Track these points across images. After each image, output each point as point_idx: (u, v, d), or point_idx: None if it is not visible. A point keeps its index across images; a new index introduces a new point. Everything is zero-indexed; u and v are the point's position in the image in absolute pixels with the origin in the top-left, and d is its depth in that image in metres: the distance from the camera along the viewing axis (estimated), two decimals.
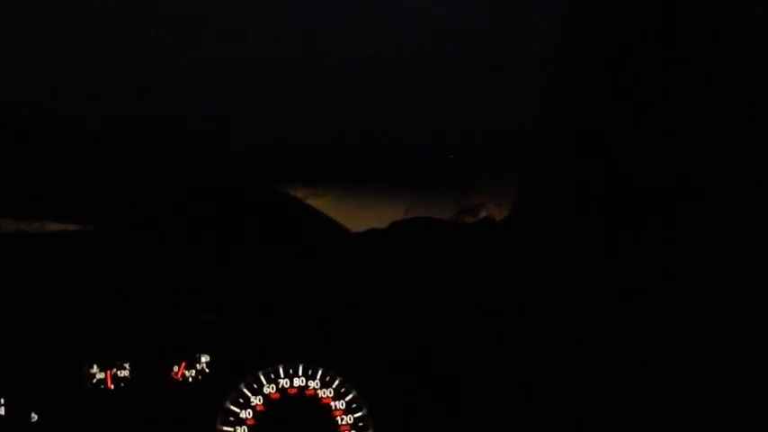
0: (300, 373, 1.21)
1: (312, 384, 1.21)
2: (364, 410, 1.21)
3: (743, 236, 0.86)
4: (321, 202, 1.55)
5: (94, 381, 1.14)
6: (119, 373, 1.15)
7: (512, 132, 1.26)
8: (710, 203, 0.87)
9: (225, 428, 1.16)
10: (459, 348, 1.19)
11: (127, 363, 1.16)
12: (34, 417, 1.11)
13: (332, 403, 1.21)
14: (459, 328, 1.20)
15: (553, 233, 1.05)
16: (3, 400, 1.11)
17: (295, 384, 1.20)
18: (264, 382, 1.20)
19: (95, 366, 1.15)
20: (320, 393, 1.21)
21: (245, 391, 1.18)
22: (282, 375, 1.21)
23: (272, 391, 1.19)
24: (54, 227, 1.23)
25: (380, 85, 1.21)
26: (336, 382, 1.21)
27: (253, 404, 1.18)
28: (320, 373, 1.22)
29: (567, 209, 1.00)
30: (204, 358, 1.18)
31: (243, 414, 1.18)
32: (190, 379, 1.17)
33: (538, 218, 1.07)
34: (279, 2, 1.03)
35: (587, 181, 0.95)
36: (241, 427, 1.17)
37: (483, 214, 1.47)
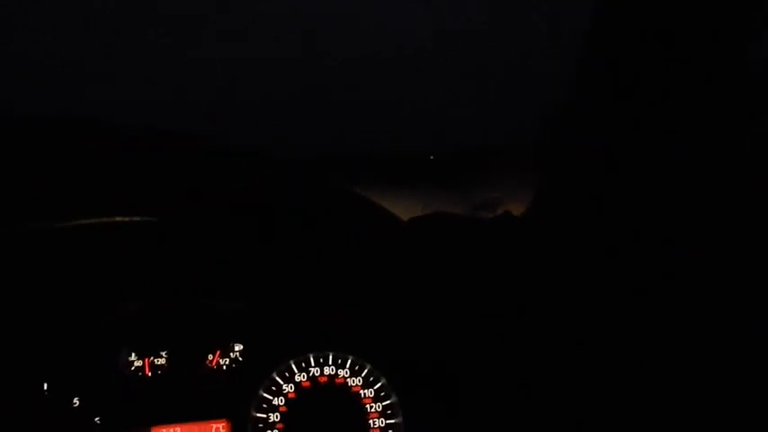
0: (330, 361, 1.25)
1: (342, 373, 1.24)
2: (393, 398, 1.24)
3: (743, 236, 0.87)
4: None
5: (133, 368, 1.18)
6: (156, 360, 1.19)
7: (511, 133, 1.27)
8: (710, 204, 0.88)
9: (258, 415, 1.20)
10: (481, 340, 1.22)
11: (164, 351, 1.19)
12: (76, 402, 1.15)
13: (361, 391, 1.24)
14: (480, 319, 1.22)
15: (569, 229, 1.06)
16: (46, 386, 1.15)
17: (325, 373, 1.24)
18: (296, 370, 1.23)
19: (134, 354, 1.19)
20: (350, 382, 1.24)
21: (278, 379, 1.22)
22: (313, 364, 1.24)
23: (304, 380, 1.23)
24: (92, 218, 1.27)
25: (380, 85, 1.22)
26: (365, 371, 1.25)
27: (285, 392, 1.22)
28: (350, 361, 1.25)
29: (580, 206, 1.01)
30: (238, 347, 1.22)
31: (275, 401, 1.21)
32: (224, 367, 1.21)
33: (555, 213, 1.08)
34: (279, 2, 1.04)
35: (596, 179, 0.96)
36: (274, 413, 1.21)
37: (501, 210, 1.47)
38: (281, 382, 1.22)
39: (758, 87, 0.81)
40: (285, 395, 1.22)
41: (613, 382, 1.04)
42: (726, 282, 0.88)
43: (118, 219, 1.19)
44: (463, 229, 1.28)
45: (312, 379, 1.24)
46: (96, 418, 1.15)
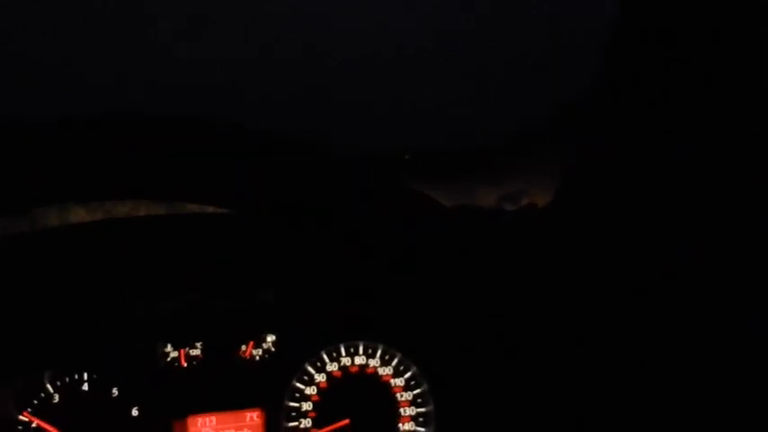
0: (361, 351, 1.26)
1: (372, 362, 1.26)
2: (423, 387, 1.26)
3: (743, 236, 0.85)
4: None
5: (169, 359, 1.21)
6: (191, 351, 1.22)
7: (512, 132, 1.25)
8: (710, 204, 0.87)
9: (291, 404, 1.23)
10: (507, 330, 1.22)
11: (199, 342, 1.22)
12: (115, 392, 1.18)
13: (391, 380, 1.26)
14: (508, 309, 1.23)
15: (590, 224, 1.05)
16: (86, 377, 1.18)
17: (356, 362, 1.26)
18: (327, 360, 1.25)
19: (169, 345, 1.21)
20: (380, 371, 1.26)
21: (310, 368, 1.24)
22: (344, 354, 1.26)
23: (335, 369, 1.25)
24: (124, 211, 1.28)
25: (381, 84, 1.20)
26: (396, 360, 1.26)
27: (317, 381, 1.24)
28: (380, 351, 1.26)
29: (594, 203, 1.00)
30: (270, 338, 1.24)
31: (308, 390, 1.24)
32: (257, 357, 1.23)
33: (580, 206, 1.07)
34: (279, 2, 1.02)
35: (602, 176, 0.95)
36: (306, 402, 1.23)
37: (525, 201, 1.45)
38: (313, 372, 1.25)
39: (758, 87, 0.80)
40: (317, 384, 1.24)
41: (613, 382, 1.04)
42: (726, 282, 0.88)
43: (154, 214, 1.21)
44: (488, 221, 1.27)
45: (343, 368, 1.26)
46: (134, 408, 1.18)
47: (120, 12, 1.00)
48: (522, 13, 0.99)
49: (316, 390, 1.24)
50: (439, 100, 1.18)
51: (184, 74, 1.13)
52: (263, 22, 1.04)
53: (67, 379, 1.18)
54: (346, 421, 1.23)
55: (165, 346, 1.21)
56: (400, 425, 1.25)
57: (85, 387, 1.18)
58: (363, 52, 1.09)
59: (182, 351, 1.21)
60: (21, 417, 1.16)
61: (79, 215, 1.25)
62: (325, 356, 1.25)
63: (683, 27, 0.78)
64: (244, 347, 1.23)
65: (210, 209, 1.20)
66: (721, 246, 0.85)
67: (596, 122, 0.94)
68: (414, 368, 1.26)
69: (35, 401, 1.17)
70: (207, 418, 1.20)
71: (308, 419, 1.23)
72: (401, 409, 1.25)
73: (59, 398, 1.17)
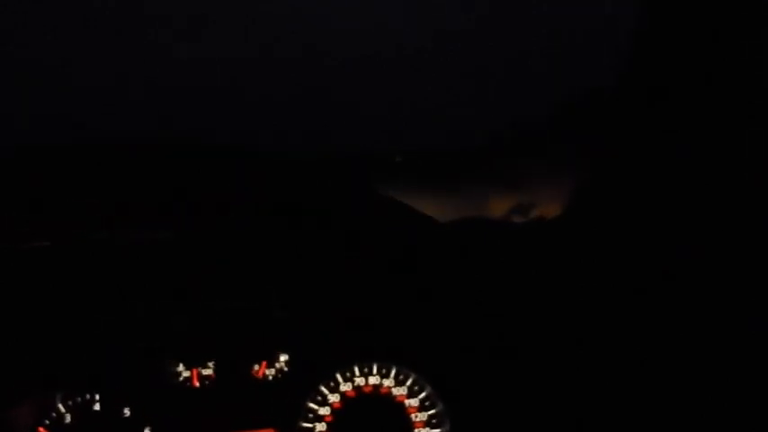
0: (375, 371, 1.25)
1: (387, 383, 1.25)
2: (438, 407, 1.24)
3: (743, 236, 0.85)
4: None
5: (181, 378, 1.20)
6: (203, 371, 1.21)
7: (512, 132, 1.24)
8: (710, 204, 0.87)
9: (305, 425, 1.21)
10: (521, 348, 1.21)
11: (211, 362, 1.21)
12: (127, 412, 1.17)
13: (406, 401, 1.24)
14: (520, 326, 1.21)
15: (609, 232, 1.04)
16: (98, 397, 1.17)
17: (370, 382, 1.24)
18: (341, 380, 1.23)
19: (181, 365, 1.20)
20: (394, 391, 1.24)
21: (323, 389, 1.23)
22: (358, 374, 1.24)
23: (349, 389, 1.23)
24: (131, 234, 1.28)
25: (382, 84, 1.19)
26: (410, 381, 1.25)
27: (330, 401, 1.23)
28: (394, 371, 1.25)
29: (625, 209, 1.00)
30: (283, 357, 1.23)
31: (321, 411, 1.22)
32: (270, 377, 1.22)
33: (579, 206, 1.06)
34: (279, 2, 1.02)
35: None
36: (320, 423, 1.21)
37: (534, 214, 1.44)
38: (327, 392, 1.23)
39: (758, 87, 0.80)
40: (330, 405, 1.23)
41: (613, 382, 1.02)
42: (726, 282, 0.87)
43: (161, 232, 1.21)
44: (496, 234, 1.27)
45: (357, 389, 1.24)
46: (146, 428, 1.17)
47: (119, 12, 1.00)
48: (521, 13, 0.99)
49: (329, 410, 1.22)
50: (438, 100, 1.17)
51: (184, 74, 1.12)
52: (262, 22, 1.04)
53: (80, 399, 1.17)
54: None
55: (177, 366, 1.20)
56: None
57: (97, 407, 1.17)
58: (363, 52, 1.08)
59: (194, 371, 1.20)
60: None
61: None
62: (338, 376, 1.24)
63: (684, 27, 0.79)
64: (257, 367, 1.22)
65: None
66: (721, 246, 0.84)
67: (596, 122, 0.95)
68: (428, 388, 1.25)
69: (47, 421, 1.15)
70: None
71: None
72: (416, 430, 1.23)
73: (71, 418, 1.16)
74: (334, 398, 1.23)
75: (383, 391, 1.24)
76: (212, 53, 1.09)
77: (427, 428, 1.24)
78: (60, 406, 1.16)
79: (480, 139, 1.19)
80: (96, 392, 1.17)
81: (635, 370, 0.96)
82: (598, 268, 0.98)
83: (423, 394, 1.25)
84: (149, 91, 1.15)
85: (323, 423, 1.22)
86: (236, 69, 1.14)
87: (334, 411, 1.22)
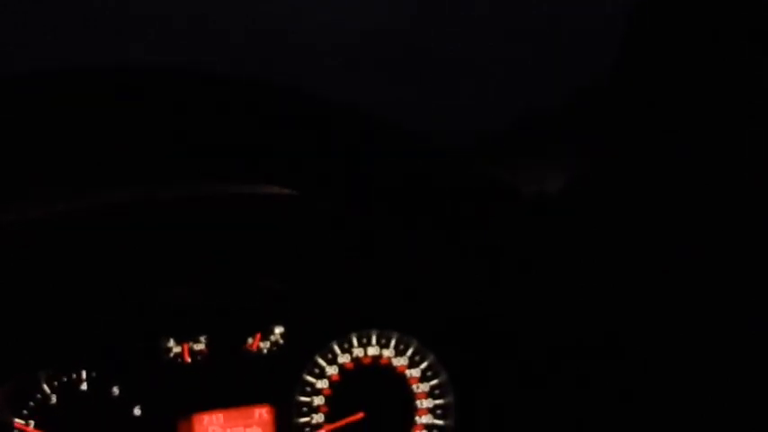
0: (374, 341, 1.20)
1: (386, 353, 1.20)
2: (440, 378, 1.19)
3: (743, 236, 0.84)
4: None
5: (171, 354, 1.15)
6: (195, 346, 1.15)
7: (512, 132, 1.21)
8: (711, 204, 0.85)
9: (302, 399, 1.16)
10: (529, 314, 1.17)
11: (203, 336, 1.15)
12: (116, 391, 1.12)
13: (407, 371, 1.20)
14: (528, 292, 1.18)
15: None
16: (85, 375, 1.12)
17: (369, 353, 1.19)
18: (339, 351, 1.19)
19: (172, 340, 1.15)
20: (395, 362, 1.20)
21: (321, 361, 1.18)
22: (356, 344, 1.19)
23: (347, 361, 1.19)
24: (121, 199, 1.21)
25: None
26: (411, 350, 1.20)
27: (328, 374, 1.18)
28: (394, 340, 1.20)
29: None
30: (278, 329, 1.17)
31: (319, 384, 1.18)
32: (265, 350, 1.17)
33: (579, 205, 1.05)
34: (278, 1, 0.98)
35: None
36: (318, 396, 1.17)
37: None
38: (324, 364, 1.18)
39: (758, 87, 0.78)
40: (329, 378, 1.18)
41: (613, 382, 1.01)
42: (726, 282, 0.85)
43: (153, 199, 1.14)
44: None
45: (356, 360, 1.19)
46: (136, 407, 1.12)
47: (118, 11, 0.96)
48: (520, 12, 0.96)
49: (327, 383, 1.18)
50: (437, 100, 1.14)
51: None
52: (259, 21, 1.00)
53: (65, 378, 1.11)
54: (360, 415, 1.17)
55: (168, 341, 1.15)
56: (417, 418, 1.19)
57: (84, 386, 1.12)
58: (361, 52, 1.05)
59: (185, 346, 1.15)
60: (16, 420, 1.09)
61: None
62: (336, 348, 1.19)
63: (684, 27, 0.78)
64: (250, 340, 1.17)
65: (210, 191, 1.14)
66: (721, 246, 0.83)
67: (595, 122, 0.93)
68: (431, 357, 1.20)
69: (31, 403, 1.10)
70: (213, 416, 1.14)
71: (321, 414, 1.17)
72: (418, 402, 1.19)
73: (57, 399, 1.11)
74: (332, 370, 1.18)
75: (383, 362, 1.20)
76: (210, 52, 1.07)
77: (430, 399, 1.20)
78: (45, 386, 1.11)
79: (478, 139, 1.16)
80: (83, 371, 1.12)
81: (634, 373, 0.95)
82: (597, 268, 0.95)
83: (424, 364, 1.20)
84: None
85: (320, 396, 1.17)
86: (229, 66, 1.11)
87: (332, 384, 1.18)
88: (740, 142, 0.80)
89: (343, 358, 1.19)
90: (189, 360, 1.15)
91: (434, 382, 1.20)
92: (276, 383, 1.16)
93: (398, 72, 1.10)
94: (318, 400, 1.17)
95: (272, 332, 1.18)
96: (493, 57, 1.07)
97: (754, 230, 0.82)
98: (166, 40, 1.03)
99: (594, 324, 0.95)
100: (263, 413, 1.15)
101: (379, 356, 1.20)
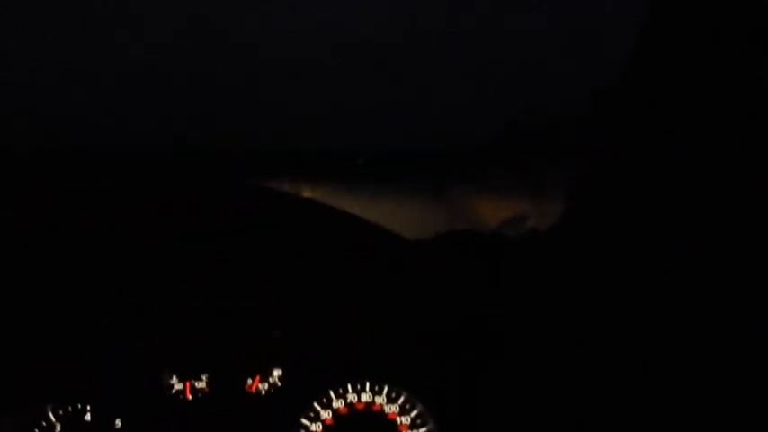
0: (368, 388, 1.25)
1: (379, 400, 1.25)
2: (429, 425, 1.24)
3: (743, 236, 0.85)
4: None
5: (173, 391, 1.20)
6: (196, 384, 1.20)
7: (512, 132, 1.26)
8: (711, 204, 0.87)
9: None
10: (509, 365, 1.21)
11: (204, 374, 1.21)
12: (118, 423, 1.16)
13: (397, 418, 1.25)
14: (513, 341, 1.22)
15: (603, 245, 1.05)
16: (89, 407, 1.16)
17: (362, 399, 1.25)
18: (333, 396, 1.24)
19: (175, 377, 1.20)
20: (386, 409, 1.25)
21: (316, 405, 1.23)
22: (350, 390, 1.25)
23: (341, 406, 1.24)
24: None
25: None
26: (402, 398, 1.25)
27: (323, 418, 1.23)
28: (386, 389, 1.26)
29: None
30: (277, 372, 1.23)
31: (313, 427, 1.22)
32: (263, 392, 1.22)
33: (578, 205, 1.06)
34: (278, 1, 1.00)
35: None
36: None
37: (527, 226, 1.43)
38: (319, 408, 1.23)
39: (758, 87, 0.80)
40: (323, 421, 1.23)
41: (613, 382, 1.03)
42: (726, 282, 0.87)
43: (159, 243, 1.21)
44: (484, 248, 1.27)
45: (349, 405, 1.24)
46: None
47: (118, 11, 0.99)
48: (521, 13, 1.00)
49: (321, 426, 1.22)
50: (437, 100, 1.18)
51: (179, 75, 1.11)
52: (259, 21, 1.02)
53: (70, 409, 1.16)
54: None
55: (171, 377, 1.20)
56: None
57: (88, 417, 1.16)
58: (361, 52, 1.08)
59: (187, 383, 1.20)
60: None
61: None
62: (331, 393, 1.24)
63: (684, 27, 0.80)
64: (250, 381, 1.22)
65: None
66: (721, 246, 0.85)
67: (595, 122, 0.97)
68: (420, 406, 1.25)
69: (36, 431, 1.14)
70: None
71: None
72: None
73: (61, 428, 1.15)
74: (326, 414, 1.23)
75: (375, 408, 1.25)
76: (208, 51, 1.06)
77: None
78: (50, 416, 1.15)
79: (478, 139, 1.20)
80: (87, 403, 1.16)
81: (634, 374, 0.97)
82: (597, 269, 0.99)
83: (414, 412, 1.25)
84: (145, 92, 1.13)
85: None
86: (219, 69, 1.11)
87: (326, 428, 1.22)
88: (740, 142, 0.81)
89: (338, 403, 1.24)
90: (190, 397, 1.20)
91: (423, 429, 1.24)
92: (273, 424, 1.20)
93: (398, 72, 1.11)
94: None
95: (271, 374, 1.23)
96: (493, 57, 1.08)
97: (754, 230, 0.83)
98: (166, 40, 1.03)
99: (594, 324, 0.98)
100: None
101: (372, 403, 1.25)
